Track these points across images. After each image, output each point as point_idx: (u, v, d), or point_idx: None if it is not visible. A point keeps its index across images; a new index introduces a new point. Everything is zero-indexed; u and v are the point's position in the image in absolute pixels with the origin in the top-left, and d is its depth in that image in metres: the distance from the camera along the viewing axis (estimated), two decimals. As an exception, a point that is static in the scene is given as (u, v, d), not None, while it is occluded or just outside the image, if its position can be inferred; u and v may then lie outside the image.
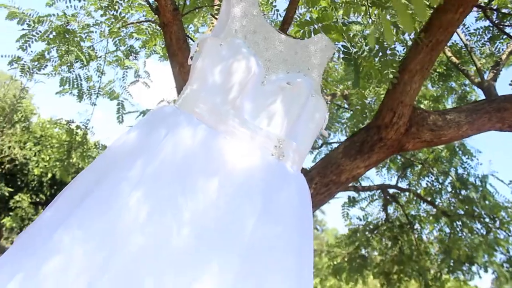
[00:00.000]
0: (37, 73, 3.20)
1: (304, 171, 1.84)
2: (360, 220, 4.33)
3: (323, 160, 1.84)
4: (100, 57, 3.38)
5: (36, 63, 3.19)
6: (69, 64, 3.13)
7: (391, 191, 4.02)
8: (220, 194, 1.04)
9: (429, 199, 3.79)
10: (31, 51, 3.00)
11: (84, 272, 0.85)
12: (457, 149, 3.30)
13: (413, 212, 4.17)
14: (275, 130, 1.20)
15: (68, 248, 0.88)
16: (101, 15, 2.84)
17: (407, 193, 3.95)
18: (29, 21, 2.86)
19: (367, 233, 4.38)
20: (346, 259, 4.63)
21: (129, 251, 0.89)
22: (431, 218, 4.10)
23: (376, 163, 1.75)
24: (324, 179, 1.75)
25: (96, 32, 3.18)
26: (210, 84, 1.16)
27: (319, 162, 1.84)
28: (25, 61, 3.10)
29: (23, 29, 2.78)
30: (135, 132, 1.11)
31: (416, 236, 4.35)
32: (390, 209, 4.31)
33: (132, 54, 3.51)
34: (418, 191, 3.84)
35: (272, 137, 1.18)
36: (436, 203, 3.64)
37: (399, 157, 3.56)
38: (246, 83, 1.18)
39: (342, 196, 4.31)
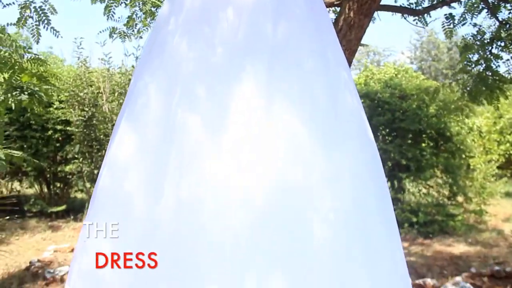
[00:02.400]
0: (132, 34, 3.75)
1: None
2: (474, 36, 4.15)
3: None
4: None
5: (129, 28, 3.74)
6: (151, 14, 3.59)
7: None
8: (239, 18, 1.33)
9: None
10: (118, 18, 3.52)
11: (159, 101, 1.25)
12: None
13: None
14: None
15: (144, 91, 1.28)
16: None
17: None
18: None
19: (486, 47, 4.20)
20: (477, 80, 4.49)
21: (183, 74, 1.25)
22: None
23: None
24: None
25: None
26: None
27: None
28: (119, 28, 3.64)
29: (102, 2, 3.29)
30: (165, 5, 1.46)
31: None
32: (503, 12, 4.05)
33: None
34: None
35: None
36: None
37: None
38: None
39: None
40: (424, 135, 7.37)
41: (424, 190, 7.70)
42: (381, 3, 2.59)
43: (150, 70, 1.31)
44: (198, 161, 1.12)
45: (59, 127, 7.32)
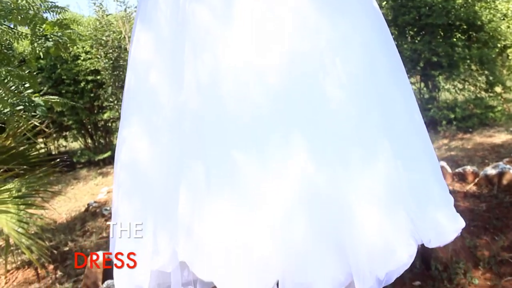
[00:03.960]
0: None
1: None
2: None
3: None
4: None
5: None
6: None
7: None
8: None
9: None
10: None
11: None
12: None
13: None
14: None
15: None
16: None
17: None
18: None
19: None
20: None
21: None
22: None
23: None
24: None
25: None
26: None
27: None
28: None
29: None
30: None
31: None
32: None
33: None
34: None
35: None
36: None
37: None
38: None
39: None
40: (454, 29, 7.10)
41: (459, 86, 7.53)
42: None
43: None
44: (212, 47, 1.19)
45: (90, 77, 7.52)
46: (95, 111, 8.00)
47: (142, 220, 1.26)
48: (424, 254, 2.60)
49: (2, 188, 3.30)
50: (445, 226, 1.32)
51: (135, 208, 1.29)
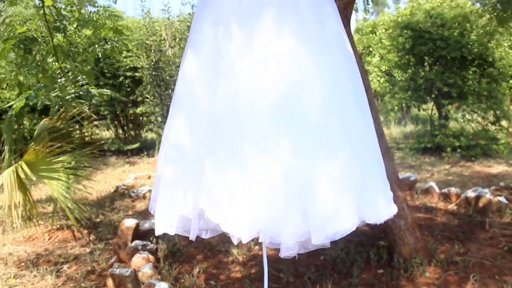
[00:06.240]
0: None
1: None
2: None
3: None
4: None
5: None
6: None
7: None
8: None
9: None
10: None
11: (210, 34, 1.93)
12: None
13: None
14: None
15: (200, 28, 1.98)
16: None
17: None
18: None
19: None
20: (507, 4, 4.74)
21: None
22: None
23: None
24: None
25: None
26: None
27: None
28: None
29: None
30: None
31: None
32: None
33: None
34: None
35: None
36: None
37: None
38: None
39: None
40: (468, 62, 7.60)
41: (468, 116, 8.02)
42: None
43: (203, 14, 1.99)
44: (237, 71, 1.80)
45: (128, 73, 8.27)
46: (129, 105, 8.76)
47: (178, 180, 1.90)
48: (390, 250, 3.19)
49: (57, 160, 4.01)
50: (382, 210, 1.91)
51: (175, 171, 1.93)
